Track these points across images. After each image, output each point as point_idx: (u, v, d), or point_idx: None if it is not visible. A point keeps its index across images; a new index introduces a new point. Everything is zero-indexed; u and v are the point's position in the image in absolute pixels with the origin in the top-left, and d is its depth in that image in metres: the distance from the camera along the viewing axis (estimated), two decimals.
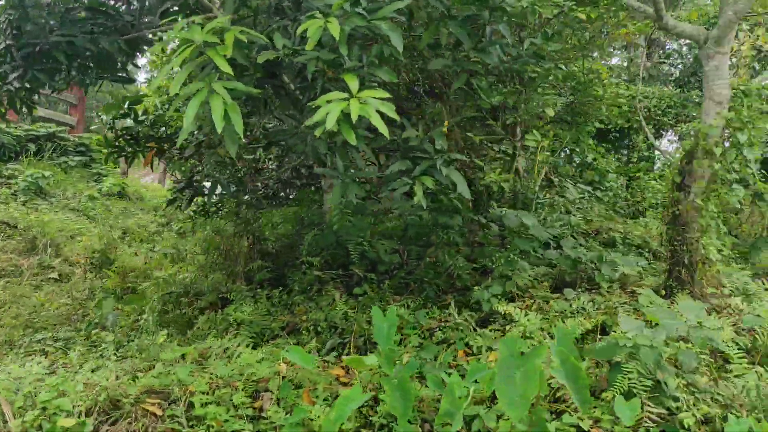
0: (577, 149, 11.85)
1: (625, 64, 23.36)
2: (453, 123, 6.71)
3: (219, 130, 4.11)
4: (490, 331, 6.22)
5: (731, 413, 4.42)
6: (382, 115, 4.15)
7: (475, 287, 6.78)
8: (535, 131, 6.14)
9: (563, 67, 6.41)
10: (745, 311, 6.25)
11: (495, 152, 7.40)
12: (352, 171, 5.55)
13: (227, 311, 6.68)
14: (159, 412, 4.58)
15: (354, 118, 4.12)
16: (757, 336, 5.48)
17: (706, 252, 6.52)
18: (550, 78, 6.59)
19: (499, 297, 6.56)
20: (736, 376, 4.91)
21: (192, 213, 9.11)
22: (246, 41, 4.55)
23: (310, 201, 9.17)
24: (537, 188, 9.64)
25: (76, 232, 11.99)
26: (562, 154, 12.39)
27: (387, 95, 4.29)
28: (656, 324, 4.77)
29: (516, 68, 6.49)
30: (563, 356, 3.72)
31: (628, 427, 4.08)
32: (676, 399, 4.35)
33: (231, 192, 7.35)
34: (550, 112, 6.45)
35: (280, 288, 7.26)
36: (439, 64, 5.57)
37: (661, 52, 23.51)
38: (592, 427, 4.31)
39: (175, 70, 4.57)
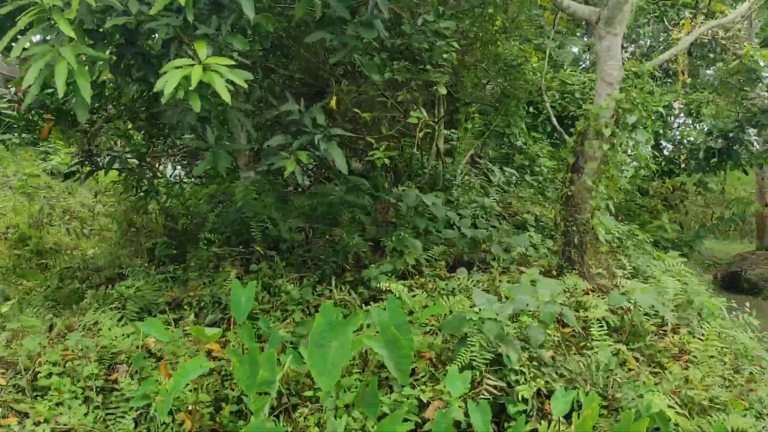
0: (512, 134, 11.86)
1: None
2: (350, 99, 6.67)
3: (60, 94, 4.06)
4: (377, 308, 6.22)
5: (574, 387, 4.48)
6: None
7: (371, 266, 6.77)
8: (422, 109, 6.10)
9: (455, 44, 6.34)
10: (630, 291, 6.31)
11: (398, 131, 7.32)
12: (226, 143, 5.48)
13: (117, 286, 6.59)
14: (3, 382, 4.51)
15: (194, 84, 4.04)
16: (626, 315, 5.54)
17: (596, 233, 6.56)
18: (446, 55, 6.53)
19: (390, 275, 6.55)
20: (595, 352, 4.96)
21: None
22: (96, 5, 4.44)
23: (227, 178, 9.07)
24: (459, 170, 9.67)
25: (2, 210, 11.78)
26: (506, 139, 12.39)
27: (231, 62, 4.21)
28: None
29: (413, 45, 6.48)
30: (384, 326, 3.71)
31: (466, 398, 4.11)
32: (517, 372, 4.38)
33: (128, 167, 7.24)
34: (442, 90, 6.41)
35: (176, 264, 7.19)
36: (316, 38, 5.49)
37: None
38: (432, 399, 4.34)
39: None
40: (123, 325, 5.57)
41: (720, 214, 19.04)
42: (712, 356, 5.37)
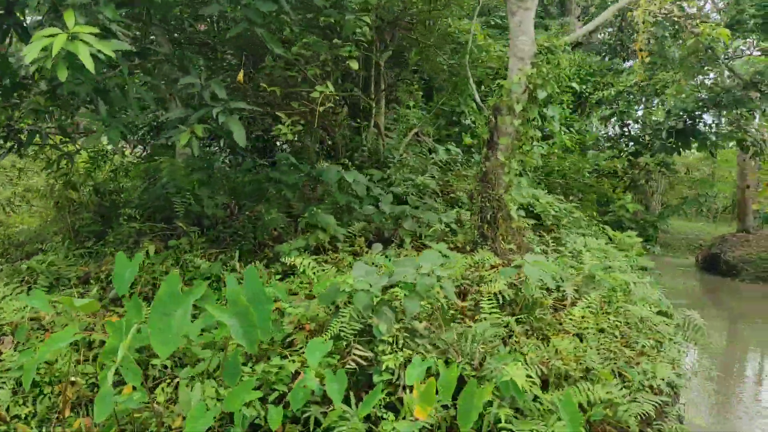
0: (462, 112, 11.82)
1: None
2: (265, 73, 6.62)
3: None
4: (286, 283, 6.26)
5: (448, 358, 4.52)
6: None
7: (286, 242, 6.79)
8: (329, 83, 6.06)
9: (366, 20, 6.29)
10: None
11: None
12: (122, 117, 5.46)
13: (30, 261, 6.60)
14: None
15: (54, 52, 4.02)
16: (520, 289, 5.57)
17: (508, 209, 6.57)
18: (361, 30, 6.48)
19: (302, 250, 6.57)
20: (468, 325, 4.99)
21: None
22: None
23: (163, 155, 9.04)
24: (402, 147, 9.65)
25: None
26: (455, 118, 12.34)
27: (96, 30, 4.17)
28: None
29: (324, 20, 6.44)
30: (233, 296, 3.73)
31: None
32: (388, 343, 4.42)
33: (50, 143, 7.19)
34: (353, 65, 6.37)
35: (94, 240, 7.20)
36: (213, 10, 5.45)
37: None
38: (299, 369, 4.38)
39: None
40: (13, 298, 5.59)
41: (685, 195, 19.06)
42: (602, 329, 5.43)
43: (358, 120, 9.40)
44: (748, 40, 16.14)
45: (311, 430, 4.02)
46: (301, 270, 5.80)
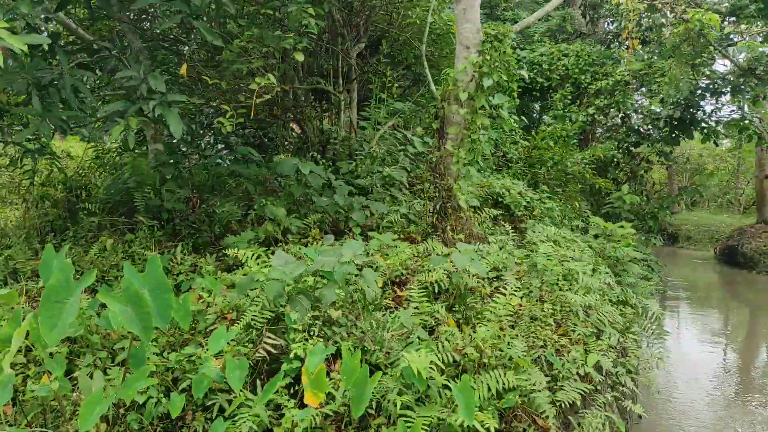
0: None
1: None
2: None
3: None
4: (232, 274, 6.30)
5: (364, 346, 4.52)
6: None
7: (238, 235, 6.83)
8: (270, 74, 6.06)
9: (311, 11, 6.27)
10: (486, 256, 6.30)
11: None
12: (60, 111, 5.54)
13: None
14: None
15: None
16: (452, 277, 5.53)
17: (457, 198, 6.53)
18: (302, 20, 6.46)
19: (252, 242, 6.61)
20: (390, 313, 4.98)
21: None
22: None
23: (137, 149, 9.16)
24: (374, 140, 9.64)
25: None
26: None
27: (6, 25, 4.24)
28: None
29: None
30: (126, 284, 3.77)
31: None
32: (302, 331, 4.42)
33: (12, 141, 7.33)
34: (299, 56, 6.36)
35: (53, 233, 7.33)
36: (143, 3, 5.50)
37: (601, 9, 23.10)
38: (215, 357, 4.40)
39: None
40: None
41: (684, 185, 18.73)
42: (535, 318, 5.37)
43: (329, 113, 9.40)
44: (751, 27, 15.79)
45: (214, 417, 4.04)
46: (244, 261, 5.83)
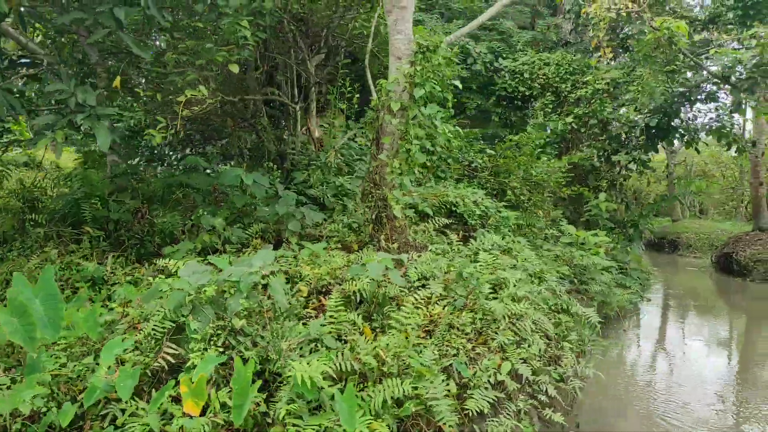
0: None
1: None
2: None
3: None
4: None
5: (268, 355, 4.55)
6: None
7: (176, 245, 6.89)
8: (202, 87, 6.14)
9: (245, 23, 6.34)
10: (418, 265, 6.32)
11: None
12: None
13: None
14: None
15: None
16: (380, 285, 5.56)
17: (391, 208, 6.57)
18: (238, 32, 6.54)
19: (191, 252, 6.66)
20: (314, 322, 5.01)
21: None
22: None
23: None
24: (331, 151, 9.70)
25: None
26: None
27: None
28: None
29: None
30: (13, 295, 3.83)
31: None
32: (204, 340, 4.46)
33: None
34: (233, 68, 6.43)
35: (5, 243, 7.42)
36: (70, 18, 5.59)
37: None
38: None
39: None
40: None
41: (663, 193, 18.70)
42: (452, 326, 5.39)
43: (285, 124, 9.48)
44: (730, 34, 15.78)
45: (105, 427, 4.08)
46: (174, 271, 5.88)
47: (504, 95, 19.51)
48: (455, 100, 8.17)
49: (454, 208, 8.84)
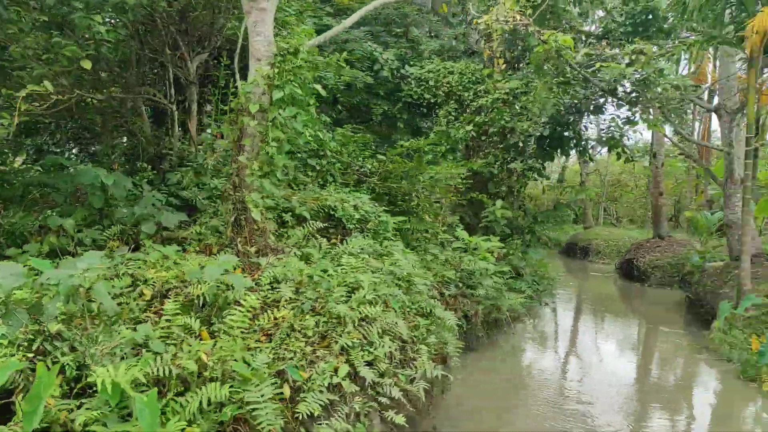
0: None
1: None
2: None
3: None
4: None
5: (84, 362, 4.39)
6: None
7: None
8: (46, 82, 5.89)
9: (98, 19, 6.15)
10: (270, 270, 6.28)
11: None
12: None
13: None
14: None
15: None
16: (221, 288, 5.49)
17: (250, 211, 6.50)
18: (92, 27, 6.32)
19: (38, 255, 6.37)
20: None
21: None
22: None
23: None
24: (209, 152, 9.52)
25: None
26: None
27: None
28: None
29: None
30: None
31: None
32: (17, 346, 4.27)
33: None
34: (86, 64, 6.22)
35: None
36: None
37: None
38: None
39: None
40: None
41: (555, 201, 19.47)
42: (294, 330, 5.39)
43: (165, 123, 9.25)
44: (622, 48, 16.61)
45: None
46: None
47: (410, 102, 19.77)
48: (365, 104, 8.18)
49: (332, 212, 8.86)
